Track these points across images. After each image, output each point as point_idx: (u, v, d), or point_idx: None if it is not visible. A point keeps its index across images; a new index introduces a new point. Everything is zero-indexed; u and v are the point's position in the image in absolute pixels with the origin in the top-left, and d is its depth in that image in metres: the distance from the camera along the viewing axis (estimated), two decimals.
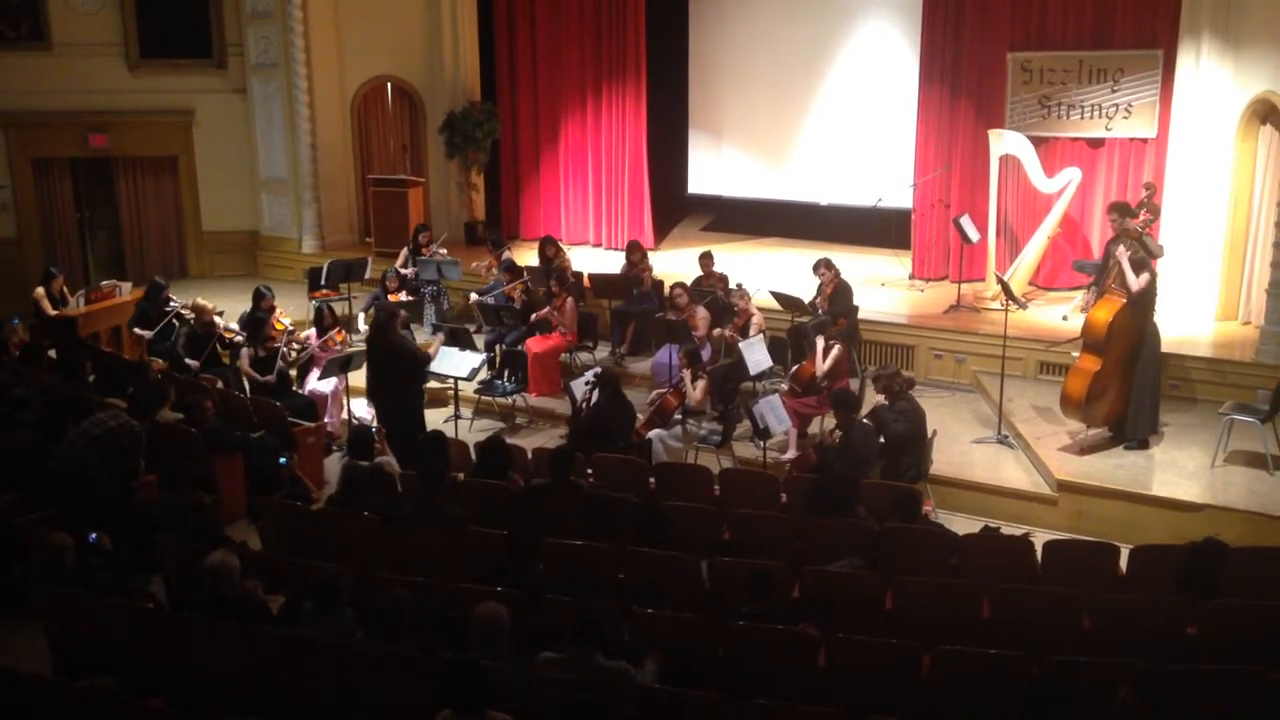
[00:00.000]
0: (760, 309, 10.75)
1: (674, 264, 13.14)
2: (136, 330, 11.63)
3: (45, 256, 13.83)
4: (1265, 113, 10.53)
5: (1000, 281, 10.40)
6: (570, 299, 11.38)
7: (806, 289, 11.02)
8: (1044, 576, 6.53)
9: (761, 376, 10.14)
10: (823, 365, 9.42)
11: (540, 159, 15.44)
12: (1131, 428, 9.03)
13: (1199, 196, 11.01)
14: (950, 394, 10.81)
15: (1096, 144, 12.05)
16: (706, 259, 11.82)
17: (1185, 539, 6.62)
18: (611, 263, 13.42)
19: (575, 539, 6.57)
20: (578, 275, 12.34)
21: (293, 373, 10.66)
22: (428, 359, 9.74)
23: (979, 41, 12.43)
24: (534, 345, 11.13)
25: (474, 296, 12.10)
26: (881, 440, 8.33)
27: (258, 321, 10.65)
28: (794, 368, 10.01)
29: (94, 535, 6.32)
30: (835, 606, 5.98)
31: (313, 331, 10.87)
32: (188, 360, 10.65)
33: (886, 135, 13.84)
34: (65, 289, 12.18)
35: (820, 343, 9.54)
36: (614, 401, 8.96)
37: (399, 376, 9.23)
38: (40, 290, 11.89)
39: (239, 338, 10.90)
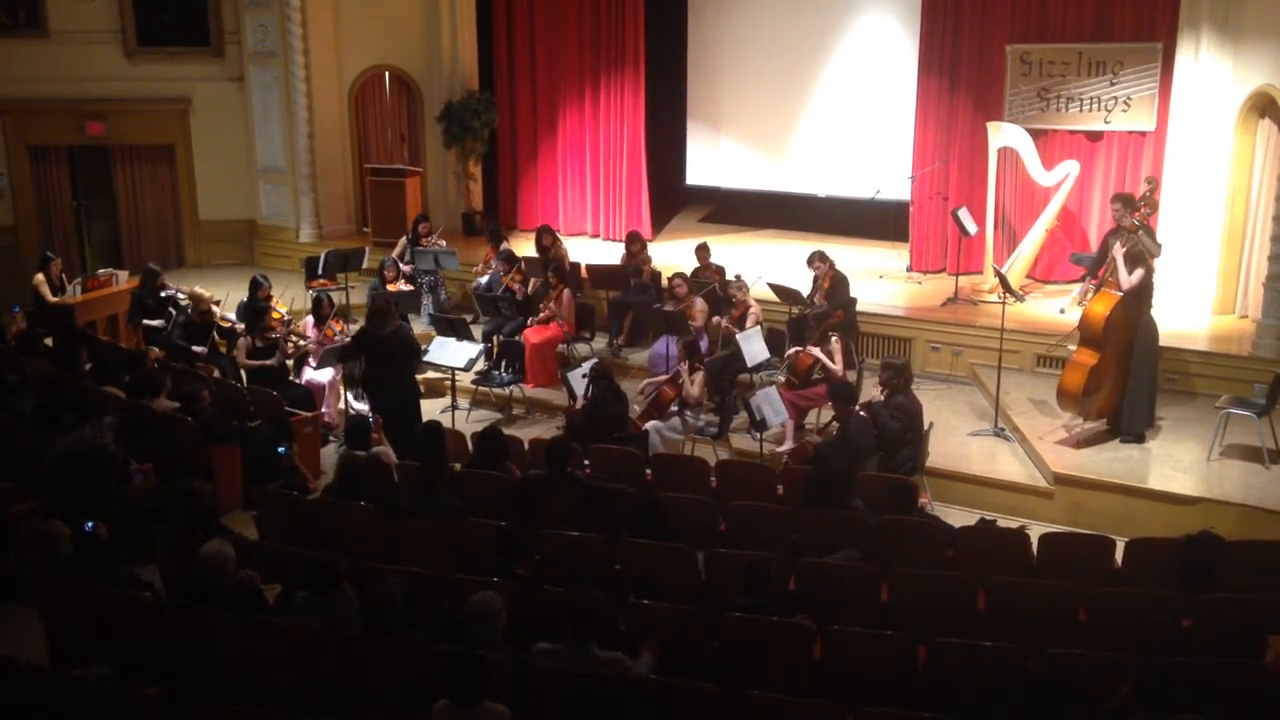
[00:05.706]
0: (758, 300, 10.74)
1: (672, 255, 13.12)
2: (145, 322, 11.58)
3: (42, 244, 13.76)
4: (1264, 106, 10.52)
5: (998, 274, 10.39)
6: (567, 290, 11.36)
7: (804, 281, 11.00)
8: (1040, 569, 6.54)
9: (759, 368, 10.14)
10: (835, 366, 9.35)
11: (538, 149, 15.39)
12: (1128, 421, 9.04)
13: (1197, 190, 11.00)
14: (947, 386, 10.80)
15: (1095, 137, 12.03)
16: (703, 251, 11.79)
17: (1181, 532, 6.62)
18: (609, 254, 13.39)
19: (572, 530, 6.58)
20: (575, 266, 12.32)
21: (290, 363, 10.65)
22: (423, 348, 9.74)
23: (978, 33, 12.39)
24: (531, 336, 11.13)
25: (480, 282, 12.07)
26: (876, 434, 8.34)
27: (257, 312, 10.62)
28: (789, 352, 9.99)
29: (90, 524, 6.33)
30: (831, 599, 5.99)
31: (310, 320, 10.85)
32: (194, 348, 10.63)
33: (885, 127, 13.80)
34: (64, 274, 12.14)
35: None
36: (609, 392, 8.97)
37: (397, 363, 9.23)
38: (40, 276, 11.83)
39: (237, 326, 10.88)
